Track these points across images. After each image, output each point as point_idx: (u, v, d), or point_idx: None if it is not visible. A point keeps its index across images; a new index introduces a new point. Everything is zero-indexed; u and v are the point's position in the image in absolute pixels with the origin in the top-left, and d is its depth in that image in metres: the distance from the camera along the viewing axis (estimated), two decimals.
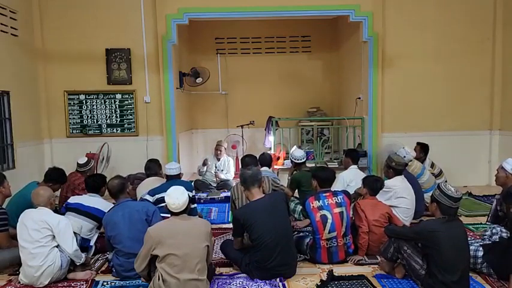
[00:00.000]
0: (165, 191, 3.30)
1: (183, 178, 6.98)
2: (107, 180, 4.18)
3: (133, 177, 5.66)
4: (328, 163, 6.83)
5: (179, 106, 7.27)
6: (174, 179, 4.69)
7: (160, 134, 6.89)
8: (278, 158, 7.01)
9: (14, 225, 3.71)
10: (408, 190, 4.55)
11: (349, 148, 6.53)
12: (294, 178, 5.21)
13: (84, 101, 6.87)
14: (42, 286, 3.47)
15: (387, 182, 4.46)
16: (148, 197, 4.47)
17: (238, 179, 3.91)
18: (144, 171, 5.38)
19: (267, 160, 5.51)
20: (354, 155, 5.47)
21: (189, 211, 3.38)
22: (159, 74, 6.74)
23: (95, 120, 6.92)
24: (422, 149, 5.97)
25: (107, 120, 6.92)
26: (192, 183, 6.25)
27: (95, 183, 4.28)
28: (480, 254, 3.50)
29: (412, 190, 4.59)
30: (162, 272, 3.06)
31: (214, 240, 4.33)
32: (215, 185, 6.95)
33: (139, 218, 3.63)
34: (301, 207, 4.85)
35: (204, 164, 6.94)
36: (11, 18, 5.95)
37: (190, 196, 4.09)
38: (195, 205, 4.93)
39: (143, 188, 4.82)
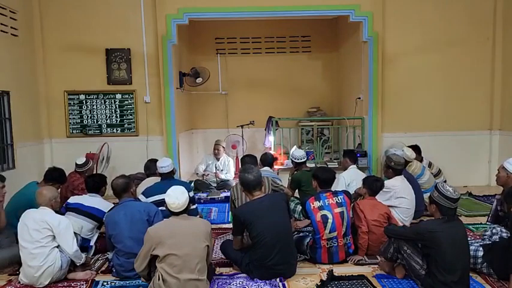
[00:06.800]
0: (160, 192, 3.26)
1: (183, 178, 7.01)
2: (109, 180, 4.18)
3: (133, 177, 5.64)
4: (328, 163, 6.83)
5: (179, 106, 7.27)
6: (168, 178, 4.60)
7: (160, 134, 6.89)
8: (276, 159, 6.99)
9: (14, 225, 3.71)
10: (408, 190, 4.55)
11: (347, 149, 6.54)
12: (294, 178, 5.22)
13: (84, 101, 6.87)
14: (42, 286, 3.47)
15: (387, 182, 4.46)
16: (141, 198, 4.35)
17: (238, 179, 3.90)
18: (143, 171, 5.38)
19: (268, 160, 5.51)
20: (352, 155, 5.49)
21: (189, 212, 3.37)
22: (159, 74, 6.74)
23: (95, 120, 6.91)
24: (415, 151, 5.93)
25: (107, 120, 6.92)
26: (192, 183, 6.26)
27: (95, 183, 4.29)
28: (480, 254, 3.50)
29: (412, 190, 4.60)
30: (162, 272, 3.07)
31: (214, 240, 4.34)
32: (215, 185, 6.95)
33: (140, 218, 3.63)
34: (301, 207, 4.85)
35: (203, 176, 6.98)
36: (11, 18, 5.95)
37: (190, 197, 4.06)
38: (195, 205, 4.86)
39: (143, 188, 4.80)
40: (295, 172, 5.39)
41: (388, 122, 6.98)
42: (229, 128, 8.86)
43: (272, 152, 6.96)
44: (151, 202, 4.20)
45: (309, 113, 8.89)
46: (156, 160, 5.35)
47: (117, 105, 6.90)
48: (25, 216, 3.54)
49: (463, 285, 3.13)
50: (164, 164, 4.68)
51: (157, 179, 4.94)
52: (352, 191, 4.59)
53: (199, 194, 6.34)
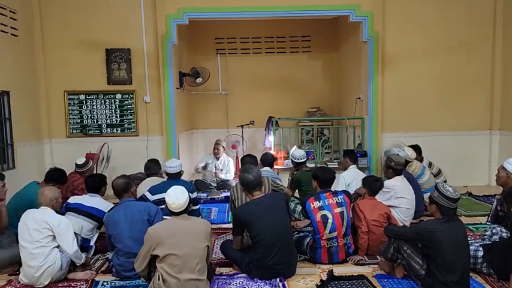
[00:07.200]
0: (165, 191, 3.29)
1: (183, 177, 7.00)
2: (109, 180, 4.18)
3: (133, 177, 5.65)
4: (328, 163, 6.83)
5: (179, 106, 7.27)
6: (175, 178, 4.66)
7: (160, 134, 6.89)
8: (276, 159, 6.99)
9: (15, 225, 3.71)
10: (408, 190, 4.55)
11: (347, 149, 6.54)
12: (294, 178, 5.22)
13: (84, 101, 6.87)
14: (42, 286, 3.47)
15: (387, 182, 4.46)
16: (147, 194, 4.46)
17: (238, 179, 3.89)
18: (144, 171, 5.38)
19: (268, 160, 5.51)
20: (352, 155, 5.49)
21: (190, 213, 3.37)
22: (159, 74, 6.74)
23: (95, 120, 6.91)
24: (416, 151, 5.93)
25: (107, 120, 6.92)
26: (192, 183, 6.26)
27: (95, 183, 4.29)
28: (480, 254, 3.50)
29: (412, 190, 4.59)
30: (162, 272, 3.07)
31: (214, 240, 4.34)
32: (215, 185, 6.96)
33: (140, 218, 3.63)
34: (301, 207, 4.85)
35: (204, 167, 6.97)
36: (11, 18, 5.94)
37: (192, 197, 4.06)
38: (197, 206, 4.85)
39: (143, 188, 4.81)
40: (295, 172, 5.39)
41: (388, 122, 6.97)
42: (229, 128, 8.87)
43: (272, 152, 6.96)
44: (155, 200, 4.30)
45: (309, 113, 8.89)
46: (156, 160, 5.38)
47: (117, 105, 6.90)
48: (25, 216, 3.54)
49: (463, 285, 3.13)
50: (173, 165, 4.77)
51: (158, 179, 4.97)
52: (352, 191, 4.59)
53: (199, 194, 6.33)
